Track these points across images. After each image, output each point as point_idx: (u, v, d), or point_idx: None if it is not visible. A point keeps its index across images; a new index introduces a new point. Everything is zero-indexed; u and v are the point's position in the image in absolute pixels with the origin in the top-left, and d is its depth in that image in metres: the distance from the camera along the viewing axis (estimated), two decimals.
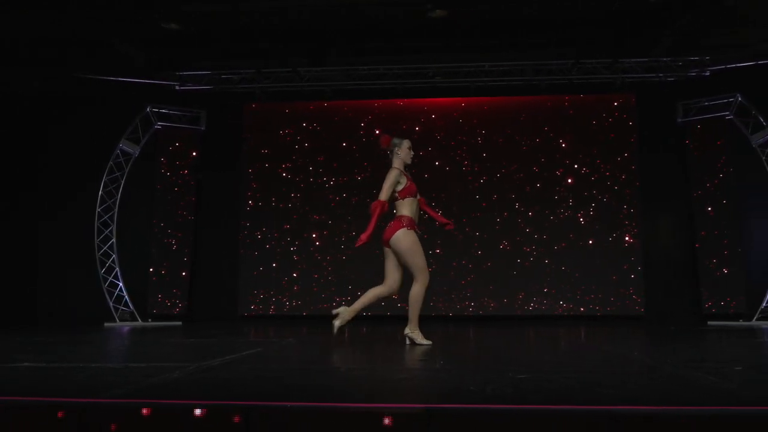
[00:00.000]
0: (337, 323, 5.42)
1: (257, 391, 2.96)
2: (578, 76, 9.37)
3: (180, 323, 9.27)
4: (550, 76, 9.42)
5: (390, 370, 3.69)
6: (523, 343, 5.89)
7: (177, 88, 9.64)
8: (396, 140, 5.42)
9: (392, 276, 5.32)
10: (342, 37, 9.00)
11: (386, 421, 2.36)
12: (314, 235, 9.82)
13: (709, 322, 8.78)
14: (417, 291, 5.20)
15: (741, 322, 8.61)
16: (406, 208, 5.27)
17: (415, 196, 5.35)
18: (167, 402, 2.60)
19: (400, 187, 5.29)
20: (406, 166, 5.44)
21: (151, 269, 9.51)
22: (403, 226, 5.17)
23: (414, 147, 5.54)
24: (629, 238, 9.42)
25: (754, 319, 8.66)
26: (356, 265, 9.55)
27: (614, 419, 2.29)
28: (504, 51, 9.29)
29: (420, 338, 5.24)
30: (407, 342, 5.29)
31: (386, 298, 5.42)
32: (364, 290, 5.17)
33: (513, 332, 7.12)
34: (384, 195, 5.22)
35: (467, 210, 9.69)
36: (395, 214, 5.35)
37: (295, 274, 9.74)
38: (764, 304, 8.72)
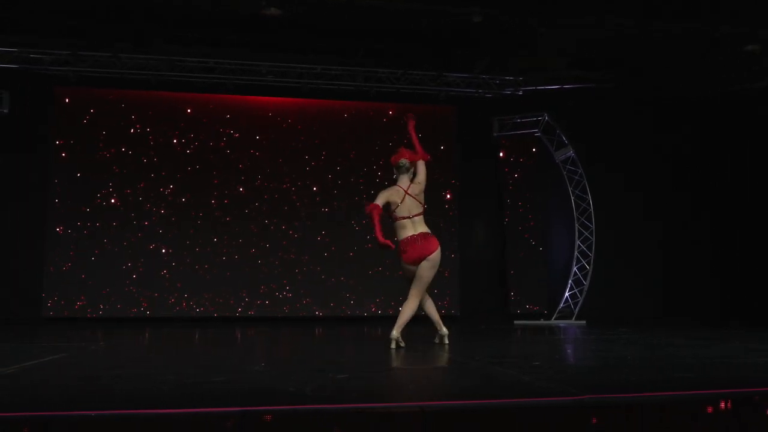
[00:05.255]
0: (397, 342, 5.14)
1: (58, 400, 2.73)
2: (405, 86, 9.75)
3: None
4: (379, 84, 9.70)
5: (206, 373, 3.58)
6: (343, 343, 5.99)
7: None
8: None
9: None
10: (172, 26, 8.54)
11: (203, 426, 2.29)
12: (128, 234, 9.21)
13: (514, 321, 9.53)
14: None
15: (542, 321, 9.45)
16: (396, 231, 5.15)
17: (398, 219, 5.10)
18: None
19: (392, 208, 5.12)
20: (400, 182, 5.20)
21: None
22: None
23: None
24: (448, 243, 9.93)
25: (552, 319, 9.55)
26: (173, 267, 9.18)
27: (427, 415, 2.40)
28: (337, 56, 9.39)
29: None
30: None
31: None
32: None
33: (334, 333, 7.22)
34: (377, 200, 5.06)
35: (294, 211, 9.68)
36: None
37: (105, 274, 9.05)
38: (562, 305, 9.67)
